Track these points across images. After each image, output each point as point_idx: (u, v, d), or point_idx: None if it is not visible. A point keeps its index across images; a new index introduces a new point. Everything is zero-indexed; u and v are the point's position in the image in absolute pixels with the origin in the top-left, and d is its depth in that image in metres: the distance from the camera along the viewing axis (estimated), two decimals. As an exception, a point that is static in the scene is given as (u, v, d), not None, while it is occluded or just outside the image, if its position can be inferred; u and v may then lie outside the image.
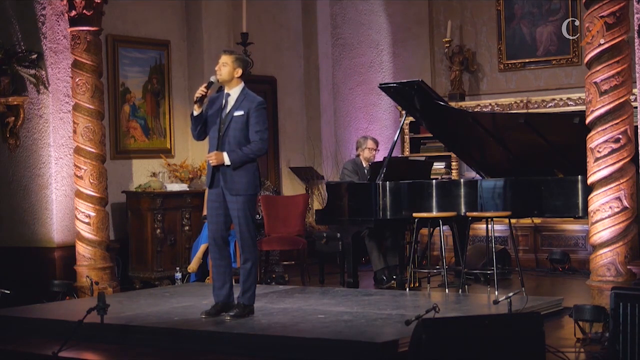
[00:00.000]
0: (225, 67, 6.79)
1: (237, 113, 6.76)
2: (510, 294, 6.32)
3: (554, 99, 10.92)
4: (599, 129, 6.80)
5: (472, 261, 9.39)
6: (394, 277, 9.01)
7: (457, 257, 9.23)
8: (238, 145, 6.74)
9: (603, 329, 6.03)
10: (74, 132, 8.78)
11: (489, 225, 8.56)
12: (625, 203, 6.77)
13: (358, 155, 9.64)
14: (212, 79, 6.84)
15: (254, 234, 6.87)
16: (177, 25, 10.80)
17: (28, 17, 9.08)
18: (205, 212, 9.59)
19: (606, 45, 6.74)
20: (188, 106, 10.80)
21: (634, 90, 7.30)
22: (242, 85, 6.86)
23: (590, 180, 6.91)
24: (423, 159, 10.49)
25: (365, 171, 9.49)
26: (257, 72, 11.27)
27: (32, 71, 8.98)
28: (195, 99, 6.80)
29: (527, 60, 11.61)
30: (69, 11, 8.74)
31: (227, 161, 6.69)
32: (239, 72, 6.80)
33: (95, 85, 8.76)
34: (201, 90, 6.80)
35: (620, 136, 6.76)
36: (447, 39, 11.80)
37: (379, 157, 9.69)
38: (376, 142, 9.65)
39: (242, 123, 6.75)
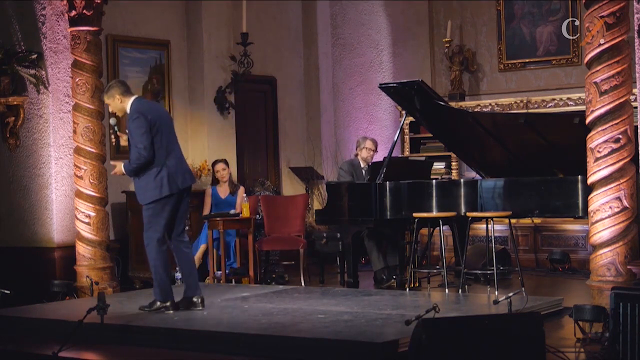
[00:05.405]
0: (110, 106, 7.26)
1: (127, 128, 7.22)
2: (510, 294, 6.32)
3: (554, 99, 10.92)
4: (599, 129, 6.80)
5: (472, 261, 9.39)
6: (394, 277, 9.01)
7: (457, 257, 9.23)
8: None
9: (603, 329, 6.02)
10: (74, 132, 8.78)
11: (489, 225, 8.56)
12: (625, 203, 6.77)
13: (357, 155, 9.64)
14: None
15: (150, 241, 7.21)
16: (177, 25, 10.79)
17: (28, 17, 9.07)
18: (205, 212, 9.60)
19: (606, 45, 6.74)
20: (188, 106, 10.81)
21: (634, 90, 7.30)
22: (129, 102, 7.15)
23: (590, 180, 6.91)
24: (423, 159, 10.49)
25: (363, 172, 9.48)
26: (257, 72, 11.27)
27: (32, 71, 8.98)
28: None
29: (527, 60, 11.61)
30: (69, 11, 8.73)
31: (123, 170, 7.17)
32: (117, 96, 7.17)
33: (95, 85, 8.75)
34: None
35: (620, 136, 6.76)
36: (447, 39, 11.80)
37: (379, 157, 9.68)
38: (375, 143, 9.62)
39: (130, 136, 7.17)
